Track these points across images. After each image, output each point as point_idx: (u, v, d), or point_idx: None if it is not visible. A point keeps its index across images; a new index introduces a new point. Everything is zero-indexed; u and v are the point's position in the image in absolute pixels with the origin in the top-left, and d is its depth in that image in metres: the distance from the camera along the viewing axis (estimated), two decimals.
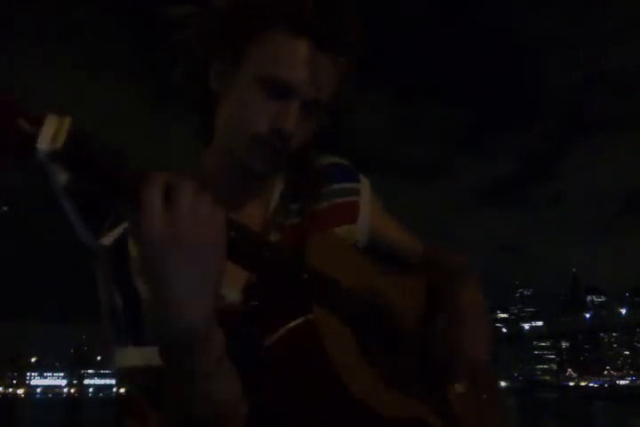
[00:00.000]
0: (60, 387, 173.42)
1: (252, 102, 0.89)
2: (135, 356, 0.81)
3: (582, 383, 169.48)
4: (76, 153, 0.60)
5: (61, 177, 0.61)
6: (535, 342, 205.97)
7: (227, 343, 0.74)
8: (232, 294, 0.88)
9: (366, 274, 0.97)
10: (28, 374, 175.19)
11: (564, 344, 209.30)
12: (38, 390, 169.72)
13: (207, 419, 0.73)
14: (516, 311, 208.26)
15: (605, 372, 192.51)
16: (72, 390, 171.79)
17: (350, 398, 0.78)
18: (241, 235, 0.73)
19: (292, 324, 0.80)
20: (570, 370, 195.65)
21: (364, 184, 1.13)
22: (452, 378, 1.00)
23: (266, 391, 0.82)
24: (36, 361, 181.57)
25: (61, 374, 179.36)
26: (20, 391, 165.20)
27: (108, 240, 0.81)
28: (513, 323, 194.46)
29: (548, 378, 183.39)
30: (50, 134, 0.58)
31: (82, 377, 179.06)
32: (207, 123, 0.98)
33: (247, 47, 0.89)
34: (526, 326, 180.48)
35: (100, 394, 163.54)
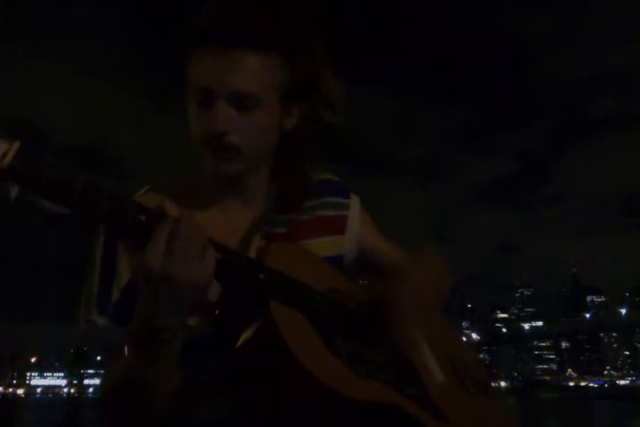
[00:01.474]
0: (60, 387, 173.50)
1: (192, 115, 0.98)
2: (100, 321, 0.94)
3: (582, 383, 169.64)
4: (23, 170, 0.68)
5: (12, 191, 0.69)
6: (535, 342, 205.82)
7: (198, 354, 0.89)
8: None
9: (328, 278, 1.00)
10: (28, 374, 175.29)
11: (563, 344, 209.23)
12: (38, 390, 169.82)
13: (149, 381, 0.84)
14: (516, 311, 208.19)
15: (605, 372, 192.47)
16: (72, 390, 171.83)
17: (319, 386, 0.79)
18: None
19: (253, 324, 0.84)
20: (570, 370, 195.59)
21: (354, 200, 1.17)
22: (432, 370, 0.98)
23: (241, 389, 0.87)
24: (35, 361, 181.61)
25: (61, 374, 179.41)
26: (20, 391, 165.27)
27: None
28: (513, 323, 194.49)
29: (547, 378, 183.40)
30: None
31: (82, 377, 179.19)
32: None
33: (186, 71, 0.98)
34: (526, 326, 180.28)
35: None
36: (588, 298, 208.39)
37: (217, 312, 0.91)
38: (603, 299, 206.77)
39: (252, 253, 0.99)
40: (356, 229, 1.13)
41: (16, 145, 0.69)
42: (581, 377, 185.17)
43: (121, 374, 0.85)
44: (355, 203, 1.16)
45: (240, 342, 0.84)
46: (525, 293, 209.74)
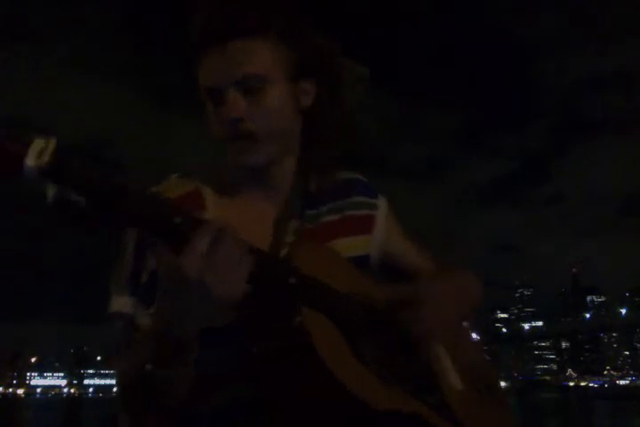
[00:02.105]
0: (59, 387, 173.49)
1: (209, 116, 1.00)
2: (128, 303, 0.93)
3: (582, 383, 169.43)
4: (63, 168, 0.67)
5: (50, 191, 0.68)
6: (535, 342, 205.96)
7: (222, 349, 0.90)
8: None
9: (353, 280, 0.99)
10: (28, 374, 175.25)
11: (563, 344, 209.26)
12: (38, 390, 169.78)
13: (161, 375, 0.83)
14: (516, 311, 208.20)
15: (605, 372, 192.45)
16: (72, 390, 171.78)
17: (344, 393, 0.79)
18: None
19: (281, 329, 0.84)
20: (570, 370, 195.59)
21: (382, 201, 1.17)
22: (449, 376, 0.99)
23: (264, 391, 0.87)
24: (35, 361, 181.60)
25: (61, 374, 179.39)
26: (20, 391, 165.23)
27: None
28: (513, 323, 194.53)
29: (547, 378, 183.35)
30: (36, 152, 0.66)
31: (82, 377, 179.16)
32: None
33: (197, 74, 1.00)
34: (526, 326, 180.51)
35: (100, 394, 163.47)
36: (588, 298, 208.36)
37: (242, 311, 0.88)
38: (603, 299, 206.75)
39: (284, 250, 0.99)
40: (383, 229, 1.13)
41: (53, 142, 0.67)
42: (581, 377, 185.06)
43: (134, 373, 0.84)
44: (383, 204, 1.16)
45: (265, 341, 0.84)
46: (525, 293, 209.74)
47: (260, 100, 0.96)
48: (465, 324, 1.15)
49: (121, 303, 0.93)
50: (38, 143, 0.67)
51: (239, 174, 1.04)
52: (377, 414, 0.82)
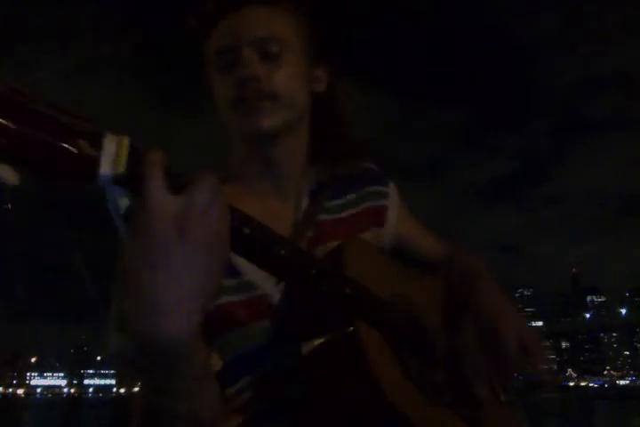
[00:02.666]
0: (59, 387, 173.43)
1: (217, 83, 0.95)
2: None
3: (582, 383, 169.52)
4: (139, 174, 0.55)
5: (122, 201, 0.60)
6: None
7: (258, 343, 0.84)
8: (266, 284, 0.86)
9: (398, 282, 0.96)
10: (28, 374, 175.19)
11: (563, 344, 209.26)
12: (38, 390, 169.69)
13: None
14: None
15: (605, 372, 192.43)
16: (72, 390, 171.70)
17: (397, 416, 0.76)
18: (292, 254, 0.71)
19: (331, 335, 0.79)
20: (570, 370, 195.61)
21: (392, 188, 1.14)
22: (476, 383, 0.97)
23: (298, 404, 0.82)
24: (35, 361, 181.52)
25: (61, 374, 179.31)
26: (20, 391, 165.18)
27: None
28: None
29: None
30: (111, 157, 0.54)
31: (82, 377, 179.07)
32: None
33: (205, 45, 0.97)
34: None
35: (100, 394, 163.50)
36: (588, 298, 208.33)
37: (284, 319, 0.85)
38: (603, 299, 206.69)
39: (304, 245, 0.94)
40: (393, 220, 1.11)
41: (126, 142, 0.55)
42: (581, 377, 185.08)
43: (141, 411, 0.69)
44: (393, 191, 1.13)
45: (307, 351, 0.79)
46: (525, 293, 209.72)
47: (277, 66, 0.91)
48: None
49: (122, 343, 0.77)
50: (112, 143, 0.54)
51: (248, 165, 0.99)
52: None
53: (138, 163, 0.55)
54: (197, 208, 0.56)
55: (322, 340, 0.79)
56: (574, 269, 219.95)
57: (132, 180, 0.55)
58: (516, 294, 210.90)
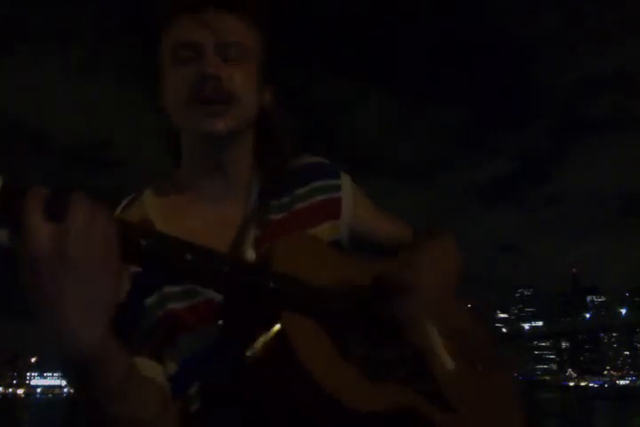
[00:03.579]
0: (60, 387, 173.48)
1: (172, 77, 0.94)
2: None
3: (582, 383, 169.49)
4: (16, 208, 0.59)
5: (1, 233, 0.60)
6: (535, 342, 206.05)
7: (205, 355, 0.85)
8: (210, 289, 0.85)
9: (340, 269, 0.95)
10: (28, 374, 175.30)
11: (563, 344, 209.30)
12: (38, 390, 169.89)
13: None
14: (516, 311, 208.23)
15: (605, 372, 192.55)
16: (72, 390, 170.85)
17: (325, 398, 0.77)
18: (199, 256, 0.72)
19: (263, 336, 0.79)
20: (570, 370, 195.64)
21: (345, 179, 1.12)
22: (440, 356, 0.97)
23: (248, 404, 0.85)
24: (35, 361, 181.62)
25: (61, 374, 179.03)
26: (20, 391, 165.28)
27: None
28: (513, 323, 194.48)
29: (547, 378, 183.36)
30: None
31: None
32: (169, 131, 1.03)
33: (163, 37, 0.97)
34: (526, 326, 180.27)
35: None
36: (588, 298, 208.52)
37: (220, 322, 0.86)
38: (603, 299, 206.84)
39: (250, 245, 0.94)
40: (350, 210, 1.09)
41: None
42: (581, 377, 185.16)
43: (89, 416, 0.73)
44: (346, 183, 1.12)
45: (249, 353, 0.79)
46: (525, 293, 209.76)
47: (237, 69, 0.94)
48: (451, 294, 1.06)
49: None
50: None
51: (200, 167, 0.99)
52: (359, 417, 0.79)
53: (13, 199, 0.58)
54: (74, 232, 0.59)
55: (258, 338, 0.79)
56: (574, 269, 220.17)
57: (8, 214, 0.58)
58: (516, 294, 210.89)
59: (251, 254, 0.92)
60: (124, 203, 1.00)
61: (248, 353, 0.79)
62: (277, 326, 0.78)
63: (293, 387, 0.79)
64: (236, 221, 0.99)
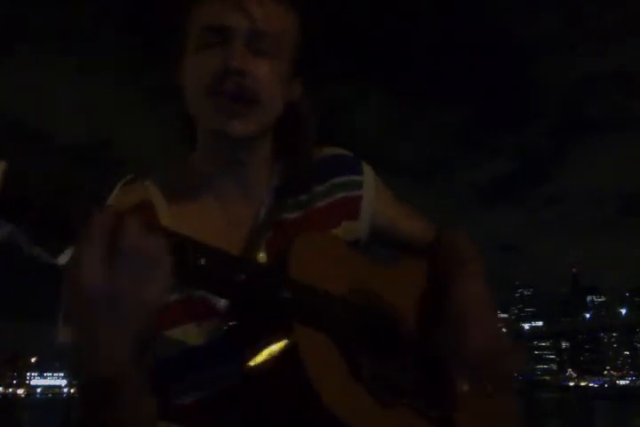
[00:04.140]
0: (59, 387, 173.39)
1: (194, 63, 0.86)
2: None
3: (582, 383, 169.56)
4: (14, 198, 0.53)
5: (2, 230, 0.56)
6: (535, 342, 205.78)
7: (205, 358, 0.81)
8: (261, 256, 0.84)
9: (359, 275, 0.90)
10: (28, 374, 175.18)
11: (563, 344, 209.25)
12: (38, 390, 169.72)
13: None
14: (516, 311, 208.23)
15: (605, 372, 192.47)
16: (72, 390, 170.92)
17: (331, 419, 0.73)
18: (213, 261, 0.68)
19: (272, 346, 0.75)
20: (570, 370, 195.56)
21: (367, 175, 1.05)
22: (456, 379, 0.92)
23: (247, 415, 0.80)
24: (35, 361, 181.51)
25: (61, 374, 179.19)
26: (20, 391, 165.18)
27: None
28: (513, 323, 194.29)
29: (547, 378, 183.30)
30: None
31: None
32: (184, 117, 0.94)
33: (189, 18, 0.89)
34: (526, 326, 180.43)
35: None
36: (588, 298, 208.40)
37: (228, 327, 0.81)
38: (603, 299, 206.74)
39: (261, 247, 0.89)
40: (370, 210, 1.03)
41: (2, 166, 0.53)
42: (581, 377, 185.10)
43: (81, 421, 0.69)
44: (368, 178, 1.05)
45: (254, 361, 0.76)
46: (525, 293, 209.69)
47: (265, 65, 0.85)
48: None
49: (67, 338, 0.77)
50: None
51: (213, 164, 0.93)
52: None
53: (17, 188, 0.54)
54: (127, 284, 0.58)
55: (264, 350, 0.75)
56: (574, 269, 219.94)
57: (7, 205, 0.54)
58: (516, 294, 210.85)
59: (262, 257, 0.87)
60: (124, 180, 0.93)
61: (251, 362, 0.75)
62: (287, 339, 0.74)
63: (297, 407, 0.75)
64: (249, 220, 0.93)
